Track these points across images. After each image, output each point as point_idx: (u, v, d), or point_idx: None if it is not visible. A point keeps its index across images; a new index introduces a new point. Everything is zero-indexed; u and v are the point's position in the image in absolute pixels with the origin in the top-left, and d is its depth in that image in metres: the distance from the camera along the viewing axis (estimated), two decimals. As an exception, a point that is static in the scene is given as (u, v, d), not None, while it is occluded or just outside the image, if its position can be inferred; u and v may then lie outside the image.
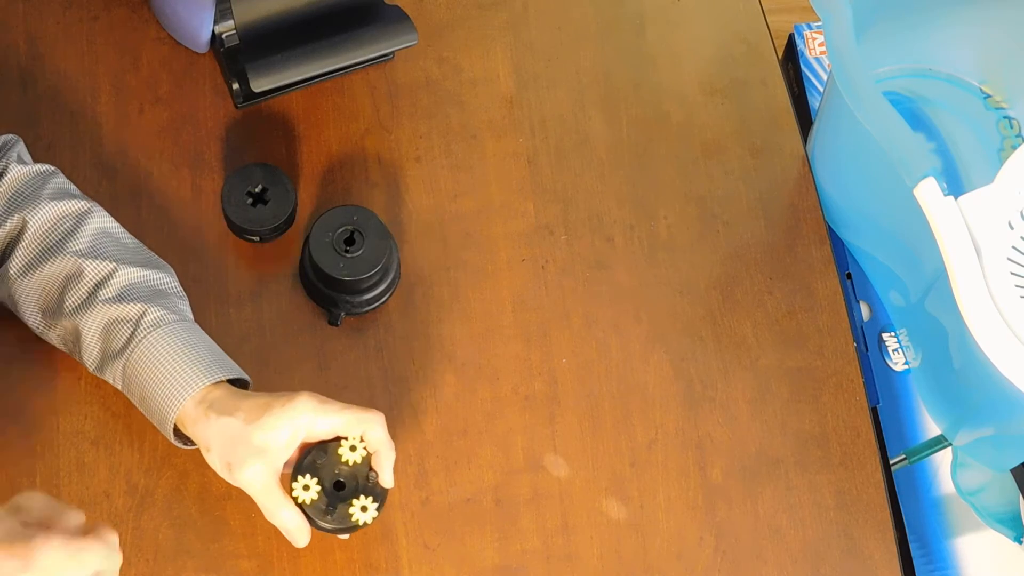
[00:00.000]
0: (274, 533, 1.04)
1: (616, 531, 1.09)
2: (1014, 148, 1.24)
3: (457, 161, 1.20)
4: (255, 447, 0.96)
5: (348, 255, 1.10)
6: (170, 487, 1.05)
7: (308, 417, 0.97)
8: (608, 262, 1.18)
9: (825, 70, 1.34)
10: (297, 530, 0.98)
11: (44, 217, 1.04)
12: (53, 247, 1.03)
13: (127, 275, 1.03)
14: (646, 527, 1.09)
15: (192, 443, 1.01)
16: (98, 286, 1.02)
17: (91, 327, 1.01)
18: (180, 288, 1.06)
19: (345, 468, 1.00)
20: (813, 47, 1.35)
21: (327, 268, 1.09)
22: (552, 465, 1.11)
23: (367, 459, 1.00)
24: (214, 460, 0.98)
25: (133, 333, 1.00)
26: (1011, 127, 1.30)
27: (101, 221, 1.06)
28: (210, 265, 1.14)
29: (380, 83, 1.22)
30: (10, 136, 1.09)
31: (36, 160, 1.10)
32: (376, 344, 1.13)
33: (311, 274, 1.12)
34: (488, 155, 1.21)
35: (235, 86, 1.18)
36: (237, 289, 1.13)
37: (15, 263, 1.03)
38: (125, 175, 1.16)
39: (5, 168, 1.06)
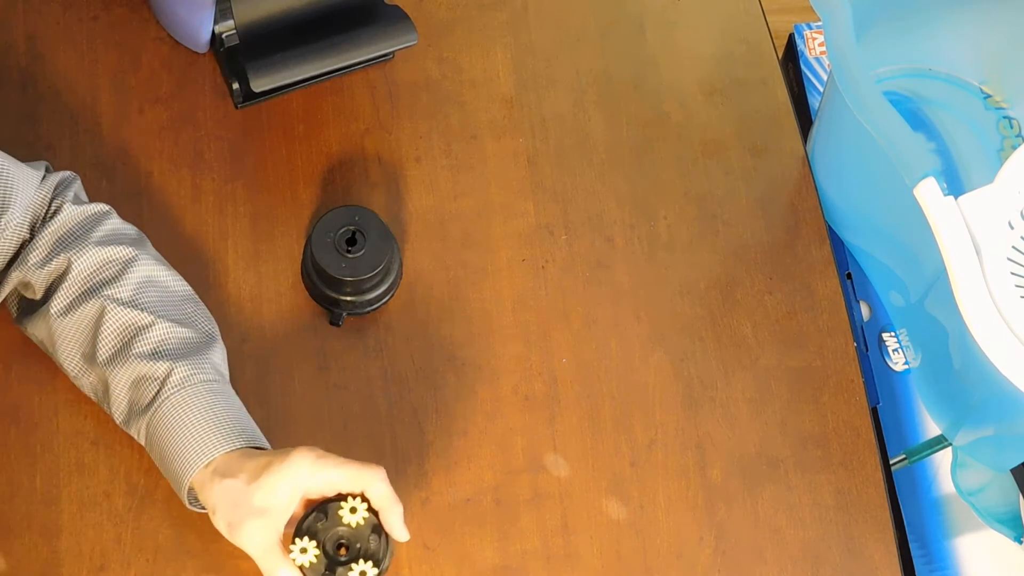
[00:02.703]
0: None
1: (616, 531, 1.09)
2: (1014, 148, 1.24)
3: (457, 161, 1.20)
4: (255, 508, 0.95)
5: (350, 255, 1.10)
6: (170, 487, 1.05)
7: (305, 474, 0.95)
8: (608, 262, 1.18)
9: (825, 70, 1.34)
10: None
11: (89, 261, 1.02)
12: (94, 291, 1.02)
13: (162, 330, 1.01)
14: (646, 527, 1.09)
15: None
16: (132, 339, 1.01)
17: (121, 381, 1.00)
18: (218, 342, 1.05)
19: (346, 531, 0.97)
20: (813, 47, 1.35)
21: (329, 268, 1.09)
22: (552, 465, 1.11)
23: (369, 521, 0.97)
24: (219, 522, 0.97)
25: (158, 392, 0.99)
26: (1011, 127, 1.30)
27: (147, 269, 1.04)
28: (210, 265, 1.14)
29: (380, 83, 1.22)
30: (68, 173, 1.08)
31: (35, 158, 1.10)
32: (376, 344, 1.13)
33: (312, 274, 1.12)
34: (488, 155, 1.21)
35: (235, 86, 1.18)
36: (237, 289, 1.13)
37: (56, 303, 1.02)
38: (125, 175, 1.16)
39: (60, 207, 1.04)
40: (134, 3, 1.22)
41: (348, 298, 1.12)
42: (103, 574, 1.03)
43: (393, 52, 1.21)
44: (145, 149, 1.17)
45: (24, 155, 1.14)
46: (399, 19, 1.18)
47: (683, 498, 1.10)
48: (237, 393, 1.03)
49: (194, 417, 0.98)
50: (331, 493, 0.97)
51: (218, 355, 1.04)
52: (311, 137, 1.19)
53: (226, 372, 1.05)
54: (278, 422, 1.08)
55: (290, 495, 0.95)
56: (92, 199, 1.09)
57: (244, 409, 1.02)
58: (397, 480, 1.08)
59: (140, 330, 1.01)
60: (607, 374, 1.14)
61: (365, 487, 0.96)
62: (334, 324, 1.12)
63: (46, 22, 1.21)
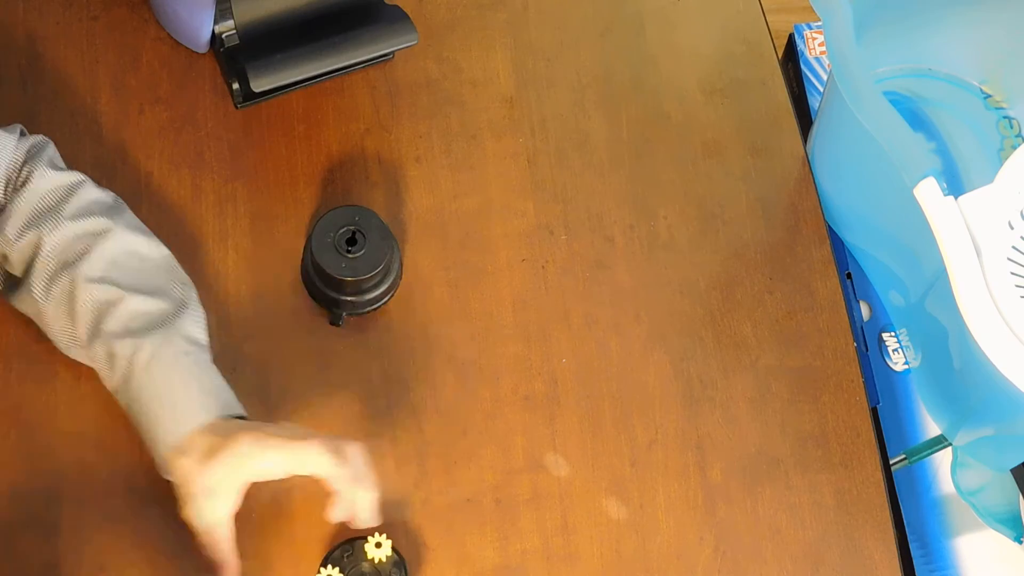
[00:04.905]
0: (273, 534, 1.04)
1: (616, 531, 1.09)
2: (1014, 148, 1.24)
3: (457, 161, 1.20)
4: (202, 488, 0.96)
5: (350, 255, 1.10)
6: (170, 487, 1.05)
7: (246, 459, 0.95)
8: (608, 262, 1.18)
9: (825, 70, 1.34)
10: (228, 570, 0.98)
11: (60, 237, 1.02)
12: (65, 268, 1.01)
13: (132, 305, 1.01)
14: (646, 527, 1.09)
15: None
16: (103, 316, 1.01)
17: (99, 358, 1.01)
18: (190, 309, 1.04)
19: (369, 566, 1.02)
20: (813, 47, 1.36)
21: (329, 268, 1.09)
22: (552, 465, 1.11)
23: (392, 559, 1.02)
24: (178, 493, 0.98)
25: (127, 371, 0.99)
26: (1011, 127, 1.30)
27: (120, 241, 1.03)
28: (210, 265, 1.14)
29: (380, 83, 1.22)
30: (41, 137, 1.07)
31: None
32: (376, 344, 1.13)
33: (313, 274, 1.12)
34: (488, 155, 1.21)
35: (235, 86, 1.18)
36: (237, 289, 1.13)
37: (35, 284, 1.02)
38: (125, 175, 1.16)
39: (30, 175, 1.04)
40: (134, 3, 1.22)
41: (348, 298, 1.12)
42: (103, 574, 1.03)
43: (393, 52, 1.21)
44: (145, 149, 1.17)
45: (24, 155, 1.15)
46: (399, 19, 1.18)
47: (683, 498, 1.10)
48: (236, 390, 1.03)
49: (161, 395, 0.98)
50: (279, 476, 0.96)
51: (189, 322, 1.03)
52: (311, 137, 1.19)
53: (201, 336, 1.04)
54: (278, 422, 1.08)
55: (233, 479, 0.95)
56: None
57: (216, 376, 1.02)
58: (397, 480, 1.08)
59: (109, 306, 1.01)
60: (607, 374, 1.14)
61: (307, 468, 0.95)
62: (334, 324, 1.12)
63: (46, 22, 1.21)
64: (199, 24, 1.16)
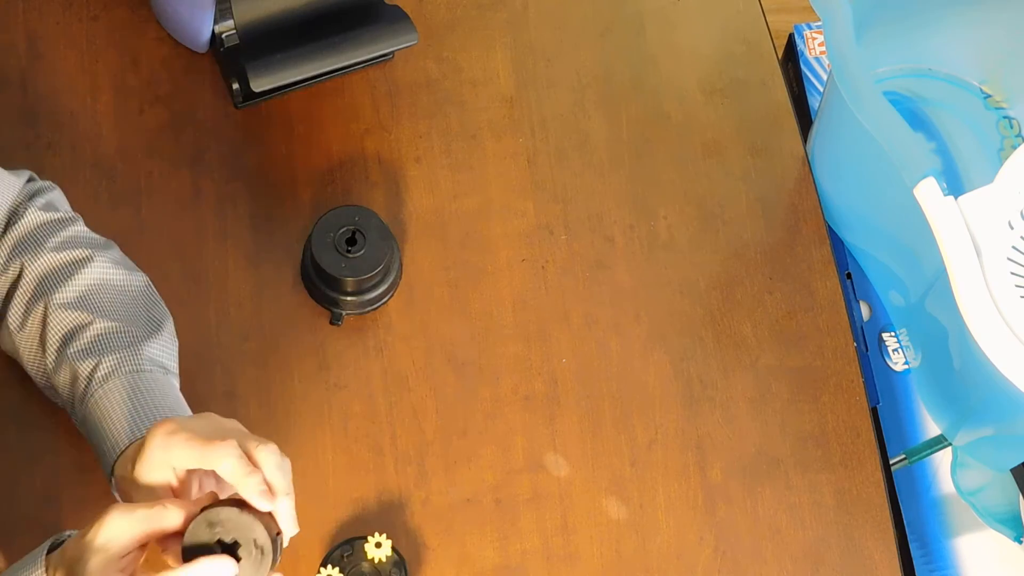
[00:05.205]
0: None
1: (616, 531, 1.09)
2: (1014, 148, 1.24)
3: (457, 161, 1.20)
4: (137, 484, 0.91)
5: (350, 255, 1.10)
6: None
7: (160, 452, 0.90)
8: (608, 262, 1.18)
9: (825, 70, 1.34)
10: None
11: (40, 266, 1.01)
12: (41, 296, 1.00)
13: (98, 328, 0.99)
14: (646, 527, 1.09)
15: None
16: (70, 339, 0.99)
17: (62, 383, 0.99)
18: (161, 334, 1.02)
19: (369, 566, 1.03)
20: (813, 47, 1.35)
21: (329, 268, 1.09)
22: (552, 465, 1.11)
23: (391, 558, 1.03)
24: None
25: (85, 389, 0.97)
26: (1011, 127, 1.30)
27: (100, 271, 1.02)
28: (210, 265, 1.14)
29: (380, 83, 1.22)
30: (48, 183, 1.06)
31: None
32: (376, 344, 1.13)
33: (313, 274, 1.12)
34: (488, 155, 1.21)
35: (235, 86, 1.18)
36: (237, 289, 1.13)
37: (12, 315, 1.01)
38: (125, 175, 1.16)
39: (24, 212, 1.03)
40: (134, 3, 1.22)
41: (348, 298, 1.12)
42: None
43: (393, 52, 1.21)
44: (145, 149, 1.17)
45: (24, 155, 1.15)
46: (399, 19, 1.18)
47: (683, 498, 1.10)
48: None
49: (112, 412, 0.96)
50: (193, 467, 0.90)
51: (155, 347, 1.01)
52: (311, 137, 1.19)
53: (168, 362, 1.01)
54: (278, 422, 1.08)
55: (157, 472, 0.90)
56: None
57: (170, 394, 0.98)
58: (397, 480, 1.08)
59: (77, 330, 0.99)
60: (607, 374, 1.14)
61: (214, 466, 0.89)
62: (334, 324, 1.12)
63: (46, 22, 1.21)
64: (199, 24, 1.16)
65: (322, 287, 1.12)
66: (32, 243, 1.02)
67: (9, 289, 1.02)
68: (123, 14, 1.22)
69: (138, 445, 0.92)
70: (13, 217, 1.03)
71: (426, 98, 1.22)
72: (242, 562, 0.84)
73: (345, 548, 1.03)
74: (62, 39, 1.20)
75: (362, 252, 1.10)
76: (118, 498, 0.96)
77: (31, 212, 1.03)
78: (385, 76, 1.23)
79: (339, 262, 1.10)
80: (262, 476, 0.87)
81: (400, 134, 1.21)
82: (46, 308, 1.00)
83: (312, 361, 1.12)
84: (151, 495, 0.90)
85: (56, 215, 1.04)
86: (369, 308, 1.13)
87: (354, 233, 1.10)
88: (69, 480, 1.06)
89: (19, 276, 1.01)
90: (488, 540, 1.08)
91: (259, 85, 1.13)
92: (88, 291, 1.01)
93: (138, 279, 1.04)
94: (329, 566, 1.02)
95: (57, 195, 1.06)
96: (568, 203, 1.20)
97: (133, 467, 0.90)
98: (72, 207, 1.07)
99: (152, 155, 1.17)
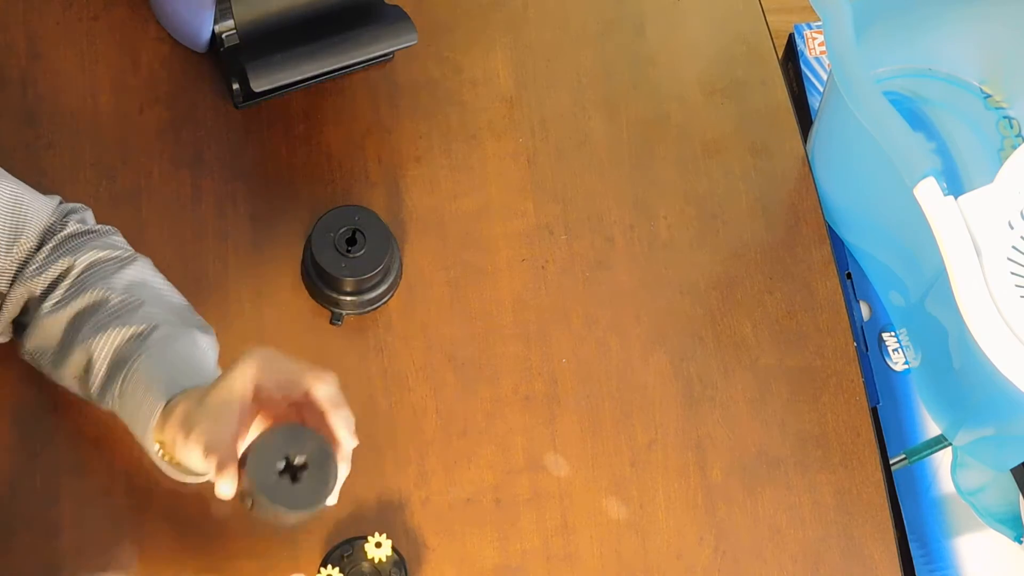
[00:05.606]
0: (273, 533, 1.04)
1: (616, 531, 1.09)
2: (1014, 148, 1.24)
3: (457, 161, 1.20)
4: (207, 410, 0.91)
5: (350, 255, 1.10)
6: (170, 487, 1.05)
7: (260, 364, 0.91)
8: (608, 262, 1.18)
9: (825, 70, 1.34)
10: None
11: (89, 258, 1.02)
12: (88, 285, 1.01)
13: (151, 308, 1.00)
14: (646, 527, 1.09)
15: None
16: (120, 315, 0.99)
17: (106, 346, 0.98)
18: (208, 335, 1.02)
19: (369, 566, 1.03)
20: (813, 47, 1.35)
21: (329, 268, 1.09)
22: (552, 465, 1.11)
23: (391, 558, 1.03)
24: (177, 445, 0.93)
25: (144, 341, 0.97)
26: (1011, 127, 1.30)
27: (143, 271, 1.03)
28: (210, 265, 1.14)
29: (380, 83, 1.22)
30: (79, 205, 1.07)
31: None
32: (376, 344, 1.13)
33: (313, 274, 1.12)
34: (488, 155, 1.21)
35: (235, 86, 1.18)
36: (238, 289, 1.13)
37: (50, 301, 1.01)
38: (125, 175, 1.16)
39: (64, 226, 1.03)
40: (134, 3, 1.22)
41: (348, 298, 1.12)
42: (103, 574, 1.03)
43: (393, 52, 1.21)
44: (145, 149, 1.17)
45: (24, 155, 1.15)
46: (399, 19, 1.18)
47: (683, 498, 1.10)
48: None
49: (173, 357, 0.96)
50: (283, 390, 0.92)
51: (206, 340, 1.01)
52: (311, 137, 1.19)
53: (215, 357, 1.02)
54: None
55: (243, 386, 0.91)
56: (92, 199, 1.08)
57: (187, 348, 0.99)
58: (397, 480, 1.08)
59: (130, 308, 0.99)
60: (607, 374, 1.14)
61: (314, 386, 0.92)
62: (334, 324, 1.12)
63: (46, 22, 1.21)
64: (199, 24, 1.16)
65: (322, 287, 1.12)
66: (76, 246, 1.03)
67: (54, 280, 1.01)
68: (123, 14, 1.22)
69: (203, 389, 0.93)
70: (48, 234, 1.03)
71: (426, 98, 1.22)
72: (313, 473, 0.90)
73: (345, 548, 1.03)
74: (62, 39, 1.20)
75: (362, 252, 1.10)
76: (155, 449, 0.96)
77: (71, 225, 1.04)
78: (385, 76, 1.23)
79: (339, 262, 1.10)
80: (349, 411, 0.93)
81: (400, 134, 1.21)
82: (94, 292, 1.00)
83: (312, 361, 1.11)
84: (218, 419, 0.91)
85: (96, 227, 1.05)
86: (369, 308, 1.13)
87: (354, 233, 1.11)
88: (69, 480, 1.06)
89: (67, 269, 1.01)
90: (488, 540, 1.08)
91: (259, 85, 1.13)
92: (134, 285, 1.02)
93: (175, 292, 1.05)
94: (329, 566, 1.02)
95: (89, 215, 1.07)
96: (568, 203, 1.20)
97: (203, 394, 0.92)
98: (73, 207, 1.07)
99: (152, 155, 1.17)
